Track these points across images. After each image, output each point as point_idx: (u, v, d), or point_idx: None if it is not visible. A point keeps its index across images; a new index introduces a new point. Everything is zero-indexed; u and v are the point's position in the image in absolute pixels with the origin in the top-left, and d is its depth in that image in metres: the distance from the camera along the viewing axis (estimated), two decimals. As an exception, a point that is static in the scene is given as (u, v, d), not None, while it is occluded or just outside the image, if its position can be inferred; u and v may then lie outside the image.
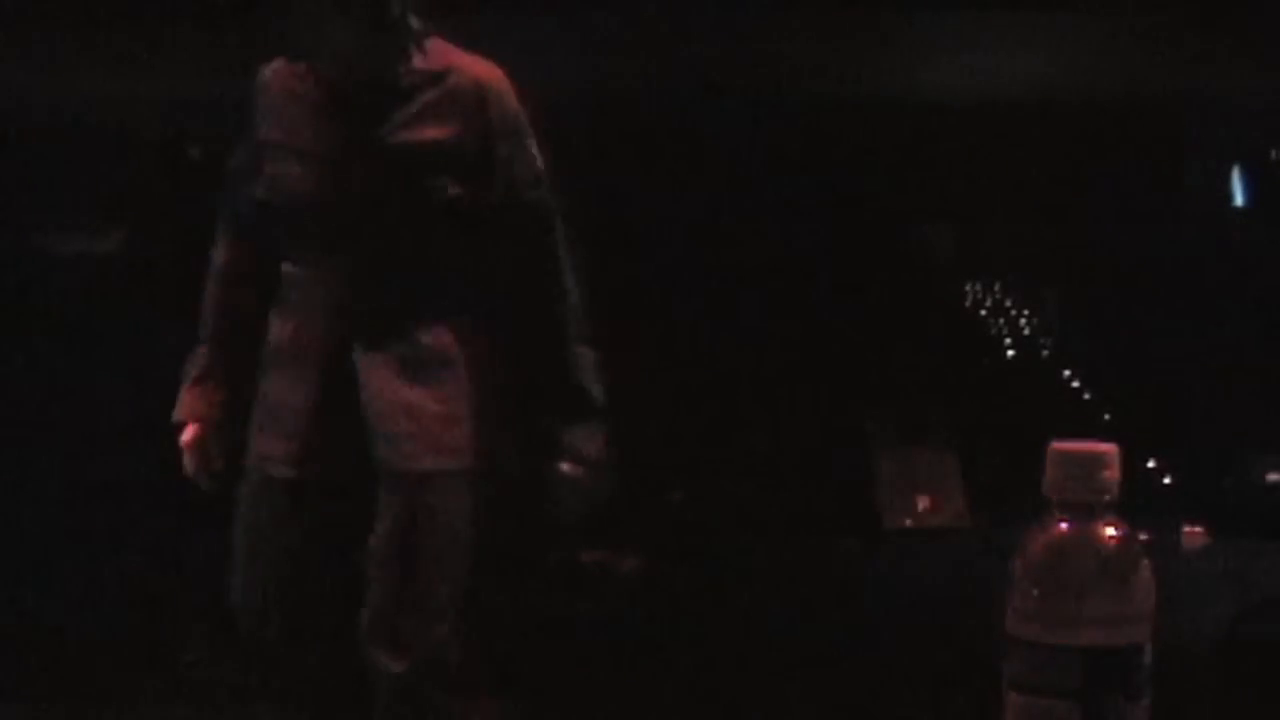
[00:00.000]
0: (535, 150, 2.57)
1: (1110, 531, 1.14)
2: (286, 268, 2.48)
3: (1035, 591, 1.12)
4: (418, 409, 2.51)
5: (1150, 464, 10.62)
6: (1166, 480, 10.38)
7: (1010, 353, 14.64)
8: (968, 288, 16.24)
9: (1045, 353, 14.46)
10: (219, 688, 3.06)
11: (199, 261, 2.67)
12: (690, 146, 15.03)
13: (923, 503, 8.03)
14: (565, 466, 2.62)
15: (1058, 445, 1.16)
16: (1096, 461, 1.15)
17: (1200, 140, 15.22)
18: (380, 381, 2.48)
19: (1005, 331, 15.50)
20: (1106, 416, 12.07)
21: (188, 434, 2.60)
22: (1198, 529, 7.55)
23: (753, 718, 4.24)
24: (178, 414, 2.60)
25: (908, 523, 7.90)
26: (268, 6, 2.55)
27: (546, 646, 4.93)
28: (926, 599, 5.96)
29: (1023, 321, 15.61)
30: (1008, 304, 16.02)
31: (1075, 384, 13.17)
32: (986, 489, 9.40)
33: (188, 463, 2.60)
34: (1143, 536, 1.18)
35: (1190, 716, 3.82)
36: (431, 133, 2.42)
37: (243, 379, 2.59)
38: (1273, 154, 15.51)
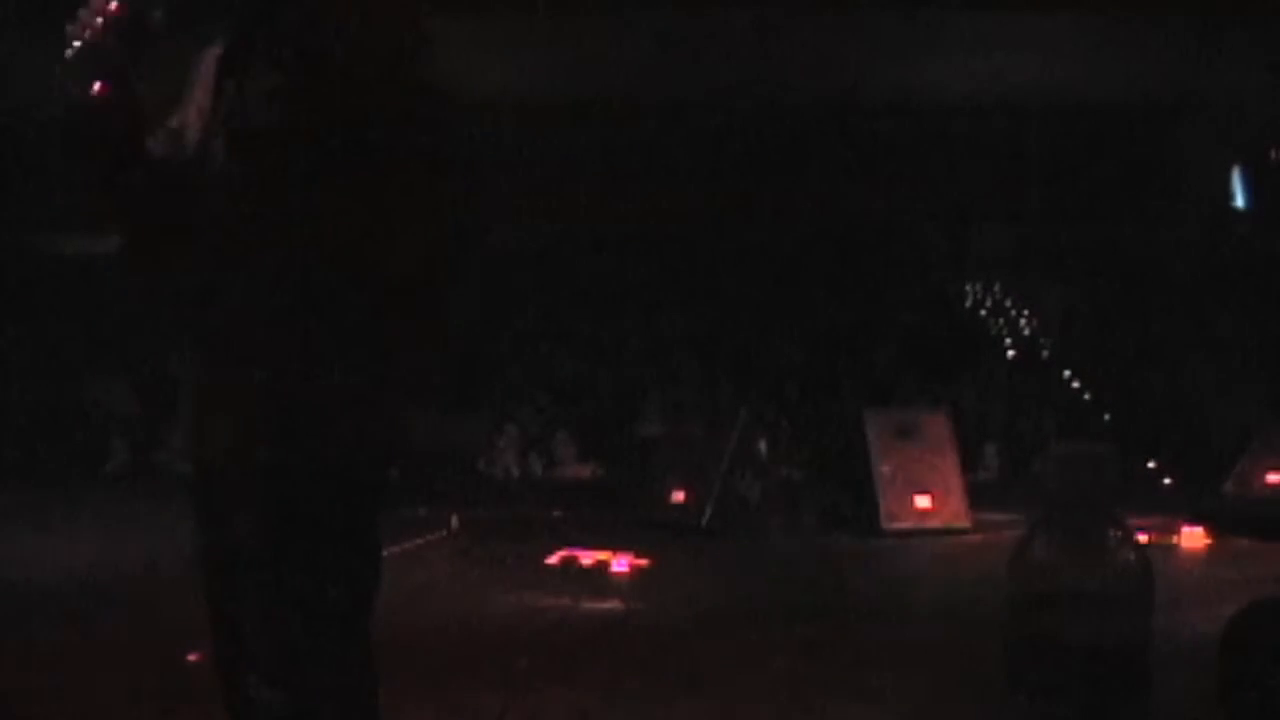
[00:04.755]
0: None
1: (1110, 532, 1.15)
2: None
3: (1036, 591, 1.13)
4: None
5: (1150, 464, 10.65)
6: (1166, 480, 10.40)
7: (1010, 353, 14.68)
8: (968, 288, 16.30)
9: (1045, 353, 14.51)
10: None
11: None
12: (692, 147, 15.09)
13: (923, 503, 8.02)
14: None
15: (1058, 445, 1.16)
16: (1096, 461, 1.15)
17: (1200, 140, 15.27)
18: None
19: (1005, 331, 15.54)
20: (1106, 417, 12.11)
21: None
22: (1198, 529, 7.55)
23: (751, 716, 4.25)
24: None
25: (908, 523, 7.89)
26: None
27: (547, 646, 4.94)
28: (926, 598, 5.96)
29: (1022, 321, 15.66)
30: (1008, 304, 16.07)
31: (1075, 384, 13.22)
32: (987, 489, 9.43)
33: None
34: (1143, 536, 1.19)
35: (1190, 716, 3.82)
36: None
37: None
38: (1273, 154, 15.54)
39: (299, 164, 2.32)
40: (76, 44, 2.29)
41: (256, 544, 2.31)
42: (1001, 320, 15.74)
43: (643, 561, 6.71)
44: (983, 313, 15.96)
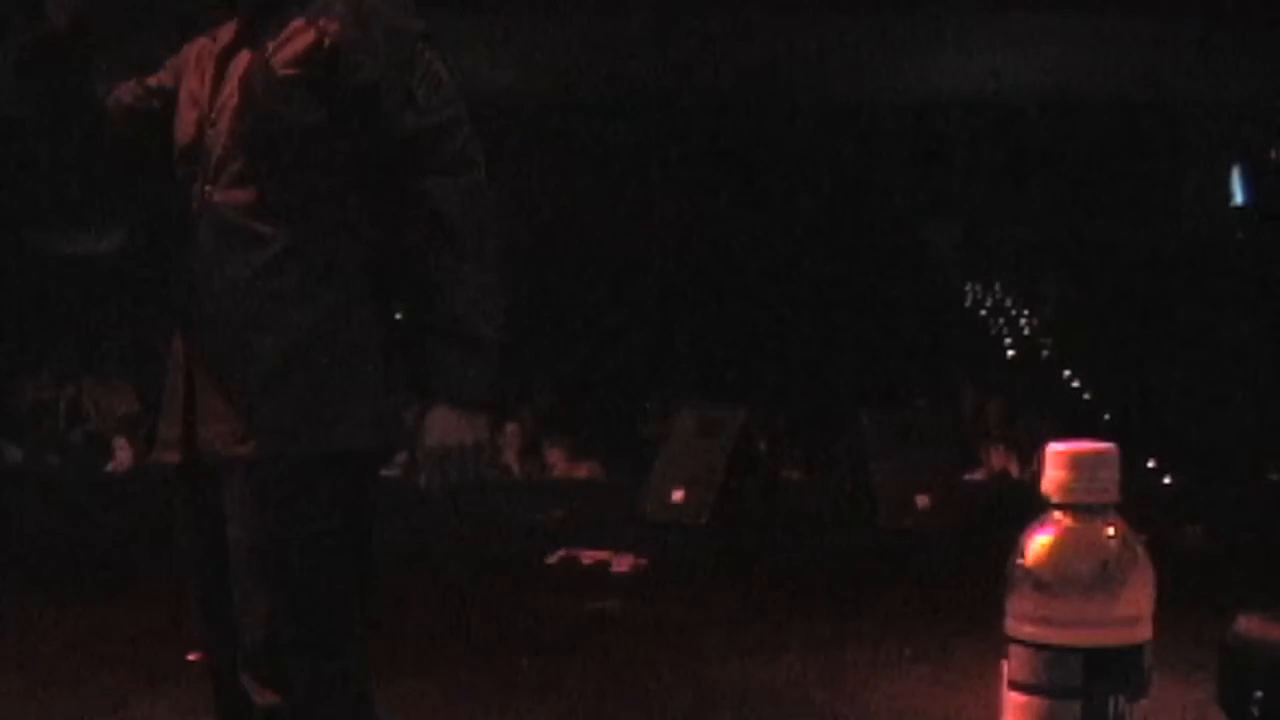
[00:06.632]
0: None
1: (1110, 531, 1.14)
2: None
3: (1035, 592, 1.12)
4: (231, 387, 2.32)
5: (1150, 464, 10.64)
6: (1166, 480, 10.40)
7: (1010, 353, 14.67)
8: (968, 288, 16.29)
9: (1045, 353, 14.50)
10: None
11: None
12: (691, 146, 15.08)
13: (922, 502, 8.01)
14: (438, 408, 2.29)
15: (1057, 445, 1.15)
16: (1096, 461, 1.14)
17: (1200, 140, 15.26)
18: (212, 359, 2.35)
19: (1005, 331, 15.53)
20: (1106, 416, 12.10)
21: None
22: (1198, 529, 7.54)
23: (750, 716, 4.25)
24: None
25: (908, 523, 7.88)
26: None
27: (547, 646, 4.93)
28: (926, 597, 5.96)
29: (1022, 321, 15.65)
30: (1008, 304, 16.06)
31: (1075, 384, 13.21)
32: (987, 489, 9.41)
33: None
34: (1143, 536, 1.18)
35: (1188, 716, 3.81)
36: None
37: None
38: (1273, 154, 15.53)
39: (307, 151, 2.31)
40: None
41: (249, 538, 2.28)
42: (1001, 320, 15.73)
43: (643, 561, 6.71)
44: (983, 313, 15.95)
